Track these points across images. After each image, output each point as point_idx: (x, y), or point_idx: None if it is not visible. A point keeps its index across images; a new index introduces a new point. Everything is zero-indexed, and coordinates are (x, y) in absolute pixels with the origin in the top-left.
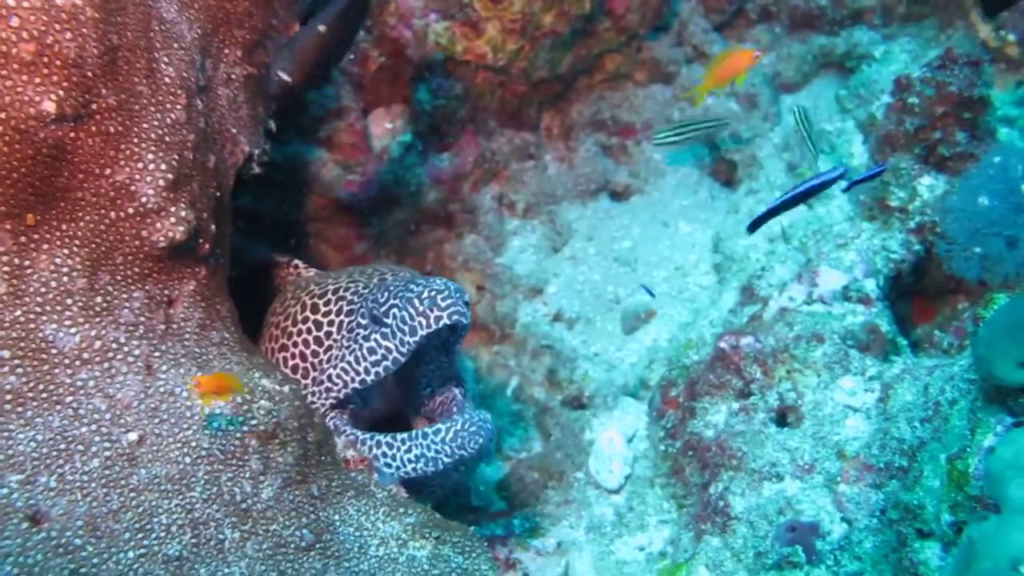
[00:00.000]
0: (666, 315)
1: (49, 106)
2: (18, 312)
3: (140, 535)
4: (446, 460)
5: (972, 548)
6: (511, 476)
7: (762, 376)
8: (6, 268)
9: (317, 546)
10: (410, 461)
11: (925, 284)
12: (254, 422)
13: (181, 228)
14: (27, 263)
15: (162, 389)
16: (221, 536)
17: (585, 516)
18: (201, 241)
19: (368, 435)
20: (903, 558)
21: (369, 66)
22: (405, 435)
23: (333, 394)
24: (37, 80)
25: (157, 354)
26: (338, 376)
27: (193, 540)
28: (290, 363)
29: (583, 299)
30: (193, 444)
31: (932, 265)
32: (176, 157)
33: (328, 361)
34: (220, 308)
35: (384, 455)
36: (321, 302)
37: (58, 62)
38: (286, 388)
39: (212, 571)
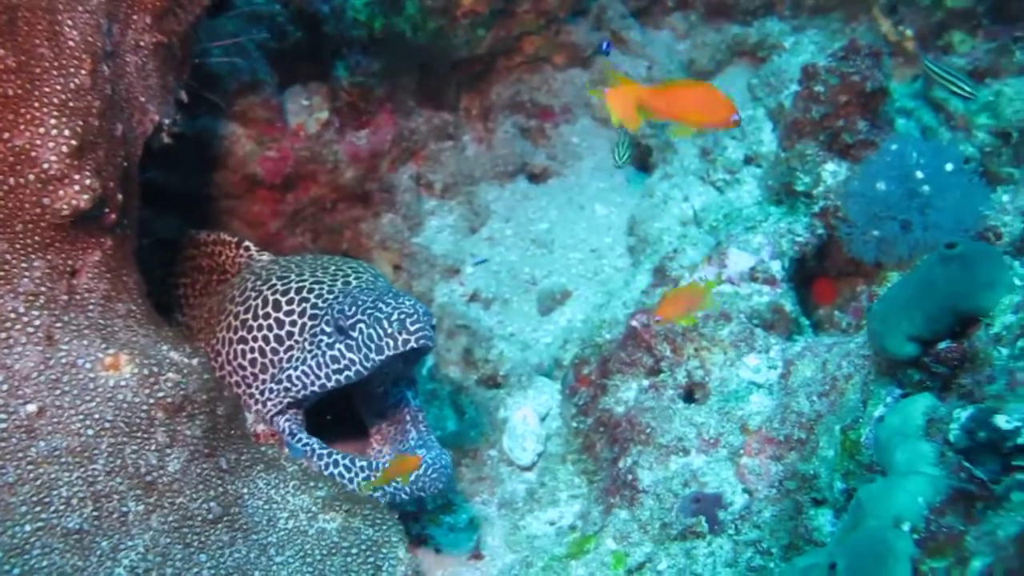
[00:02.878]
0: (581, 296)
1: None
2: None
3: (38, 508)
4: (404, 498)
5: (859, 508)
6: None
7: (671, 354)
8: None
9: (225, 519)
10: (368, 491)
11: (828, 266)
12: (161, 394)
13: (86, 196)
14: None
15: (64, 360)
16: (124, 509)
17: (498, 492)
18: (107, 211)
19: (326, 451)
20: (798, 525)
21: (286, 41)
22: (365, 463)
23: (292, 394)
24: None
25: (59, 325)
26: (298, 378)
27: (95, 513)
28: (248, 356)
29: (500, 280)
30: (96, 416)
31: (834, 248)
32: (80, 123)
33: (288, 361)
34: (127, 280)
35: (341, 476)
36: (284, 300)
37: None
38: (195, 361)
39: (114, 544)
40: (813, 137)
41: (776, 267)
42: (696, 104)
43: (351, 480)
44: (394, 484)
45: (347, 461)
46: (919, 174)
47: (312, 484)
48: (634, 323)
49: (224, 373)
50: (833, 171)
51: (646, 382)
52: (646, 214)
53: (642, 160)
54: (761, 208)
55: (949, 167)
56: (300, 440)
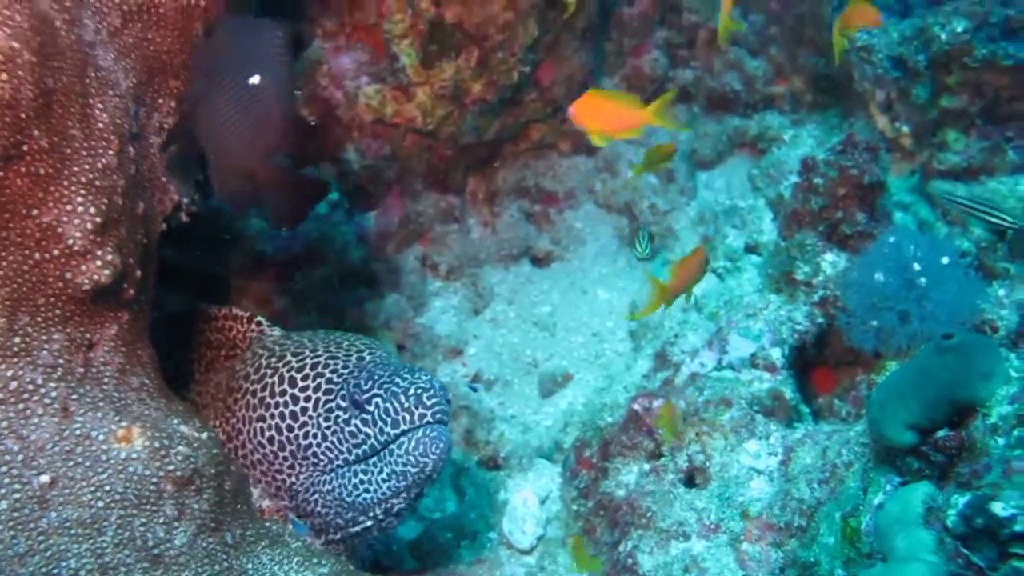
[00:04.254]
0: (582, 380)
1: None
2: None
3: None
4: (412, 470)
5: None
6: (424, 536)
7: (672, 438)
8: None
9: None
10: (384, 480)
11: (827, 355)
12: (171, 467)
13: (107, 272)
14: None
15: (78, 432)
16: None
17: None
18: (126, 286)
19: (347, 467)
20: None
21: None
22: (377, 458)
23: (320, 468)
24: None
25: (75, 397)
26: (323, 453)
27: None
28: (266, 434)
29: (502, 361)
30: (107, 488)
31: (834, 337)
32: (105, 201)
33: (306, 436)
34: (141, 353)
35: (363, 483)
36: (299, 376)
37: None
38: (204, 435)
39: None
40: (812, 228)
41: (776, 354)
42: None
43: (371, 481)
44: (397, 457)
45: (363, 467)
46: (916, 266)
47: (315, 561)
48: (635, 407)
49: (246, 451)
50: (832, 261)
51: (647, 466)
52: (647, 300)
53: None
54: (761, 296)
55: (945, 260)
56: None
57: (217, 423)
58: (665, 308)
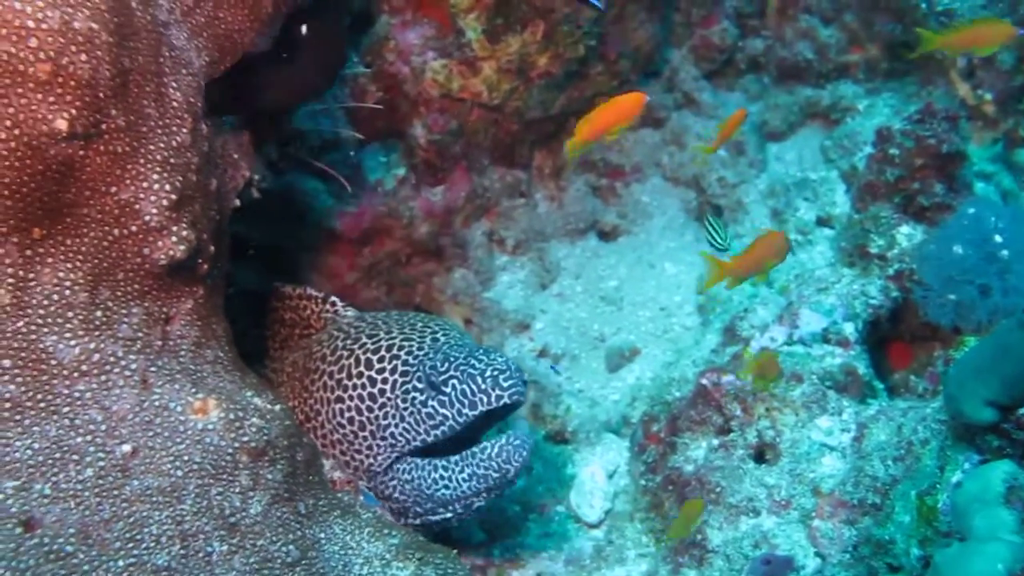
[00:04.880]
0: (650, 354)
1: (61, 124)
2: (20, 323)
3: (130, 544)
4: (494, 475)
5: (936, 573)
6: (492, 509)
7: (742, 413)
8: (11, 280)
9: (303, 562)
10: (465, 480)
11: (902, 330)
12: (245, 439)
13: (182, 247)
14: (31, 276)
15: (157, 403)
16: (209, 549)
17: (565, 549)
18: (200, 261)
19: (426, 460)
20: None
21: (367, 100)
22: (458, 457)
23: (398, 449)
24: (51, 99)
25: (153, 369)
26: (400, 434)
27: (182, 551)
28: (345, 415)
29: (569, 336)
30: (185, 458)
31: (909, 312)
32: (180, 178)
33: (384, 418)
34: (216, 327)
35: (443, 478)
36: (375, 358)
37: (72, 82)
38: (277, 407)
39: None
40: (887, 199)
41: (849, 329)
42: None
43: (451, 479)
44: (480, 460)
45: (444, 462)
46: (998, 238)
47: (386, 532)
48: (704, 381)
49: (325, 431)
50: (908, 234)
51: (716, 441)
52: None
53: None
54: (834, 270)
55: None
56: (406, 460)
57: (295, 403)
58: (728, 287)
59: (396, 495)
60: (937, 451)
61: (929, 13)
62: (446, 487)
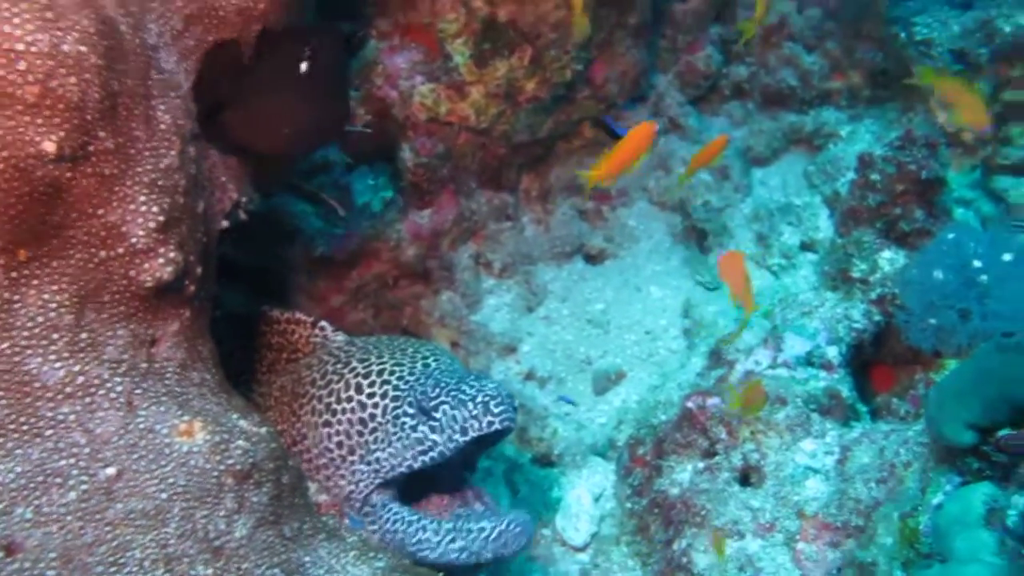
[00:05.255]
0: (636, 378)
1: (49, 146)
2: (5, 345)
3: (113, 569)
4: (487, 556)
5: None
6: None
7: (727, 436)
8: None
9: None
10: (453, 552)
11: (885, 353)
12: (231, 461)
13: (169, 269)
14: (16, 298)
15: (142, 426)
16: (194, 572)
17: (551, 573)
18: (187, 283)
19: (415, 516)
20: None
21: (355, 123)
22: (450, 525)
23: (382, 475)
24: (39, 121)
25: (139, 391)
26: (386, 460)
27: (166, 575)
28: (334, 439)
29: (555, 359)
30: (170, 480)
31: (892, 335)
32: (167, 200)
33: (374, 443)
34: (202, 349)
35: (428, 541)
36: (366, 383)
37: (60, 105)
38: (263, 430)
39: None
40: (870, 224)
41: (832, 352)
42: None
43: (438, 543)
44: (476, 539)
45: (435, 526)
46: (977, 263)
47: (371, 555)
48: (689, 404)
49: (311, 455)
50: (890, 258)
51: (701, 464)
52: (701, 297)
53: (698, 243)
54: (817, 294)
55: (1007, 257)
56: (391, 510)
57: (283, 427)
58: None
59: (376, 535)
60: (919, 473)
61: (908, 43)
62: (431, 550)
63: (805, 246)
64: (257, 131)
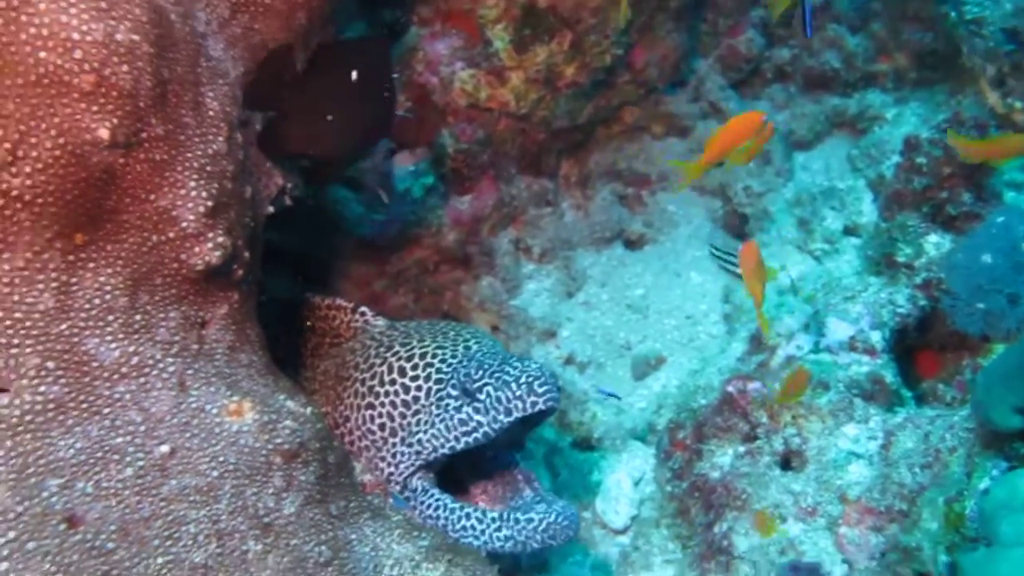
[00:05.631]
0: (676, 363)
1: (104, 133)
2: (63, 326)
3: (169, 542)
4: (535, 546)
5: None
6: None
7: (768, 421)
8: (55, 284)
9: (334, 562)
10: (499, 540)
11: (931, 339)
12: (279, 440)
13: (218, 253)
14: (74, 280)
15: (193, 405)
16: (245, 547)
17: (591, 554)
18: (235, 267)
19: (457, 504)
20: None
21: (396, 109)
22: (496, 514)
23: (423, 456)
24: (94, 109)
25: (190, 372)
26: (428, 441)
27: (218, 550)
28: (376, 421)
29: (595, 344)
30: (221, 459)
31: (938, 320)
32: (216, 186)
33: (417, 424)
34: (249, 332)
35: (473, 528)
36: (408, 366)
37: (114, 93)
38: (309, 411)
39: None
40: (915, 208)
41: (876, 337)
42: None
43: (483, 531)
44: (524, 528)
45: (479, 514)
46: None
47: (415, 534)
48: (730, 389)
49: (354, 438)
50: (936, 243)
51: (742, 448)
52: (742, 283)
53: (738, 228)
54: (861, 278)
55: None
56: (432, 496)
57: (327, 410)
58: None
59: (418, 518)
60: (965, 458)
61: (959, 22)
62: (475, 537)
63: (848, 231)
64: (312, 140)
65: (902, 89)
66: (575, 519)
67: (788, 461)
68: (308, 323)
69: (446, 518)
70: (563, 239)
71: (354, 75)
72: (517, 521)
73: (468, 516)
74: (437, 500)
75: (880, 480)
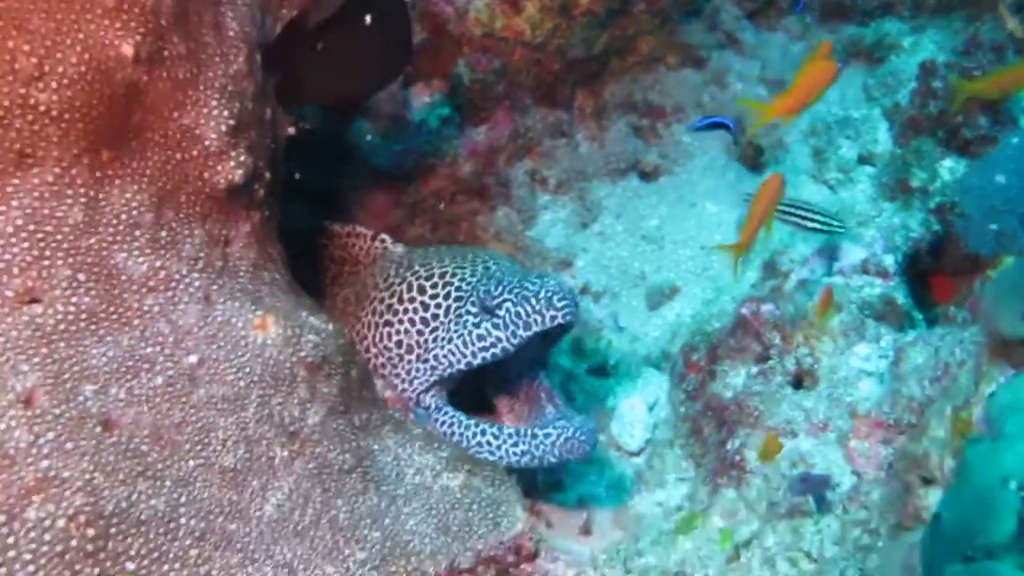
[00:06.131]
0: (690, 292)
1: (127, 49)
2: (92, 240)
3: (199, 447)
4: (552, 461)
5: (966, 468)
6: None
7: (781, 341)
8: (83, 199)
9: (358, 469)
10: (515, 455)
11: (944, 264)
12: (302, 353)
13: (240, 171)
14: (102, 195)
15: (219, 319)
16: (272, 453)
17: (606, 475)
18: (257, 187)
19: (472, 421)
20: (907, 504)
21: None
22: (512, 430)
23: (438, 372)
24: (118, 25)
25: (215, 287)
26: (445, 356)
27: (246, 455)
28: (394, 338)
29: (610, 274)
30: (247, 369)
31: (951, 245)
32: (237, 105)
33: (434, 341)
34: (271, 251)
35: (488, 444)
36: (428, 284)
37: (136, 9)
38: (331, 327)
39: (263, 483)
40: (930, 133)
41: (889, 260)
42: None
43: (499, 447)
44: (541, 443)
45: (495, 430)
46: None
47: (436, 445)
48: (743, 311)
49: (371, 355)
50: (951, 167)
51: (755, 368)
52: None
53: (753, 159)
54: (874, 204)
55: None
56: (447, 413)
57: (347, 331)
58: (741, 260)
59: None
60: (973, 370)
61: None
62: (491, 453)
63: (863, 159)
64: (330, 87)
65: (919, 17)
66: (593, 434)
67: (800, 380)
68: (328, 252)
69: (461, 434)
70: (578, 170)
71: (367, 19)
72: (535, 436)
73: (484, 432)
74: (451, 417)
75: (890, 395)
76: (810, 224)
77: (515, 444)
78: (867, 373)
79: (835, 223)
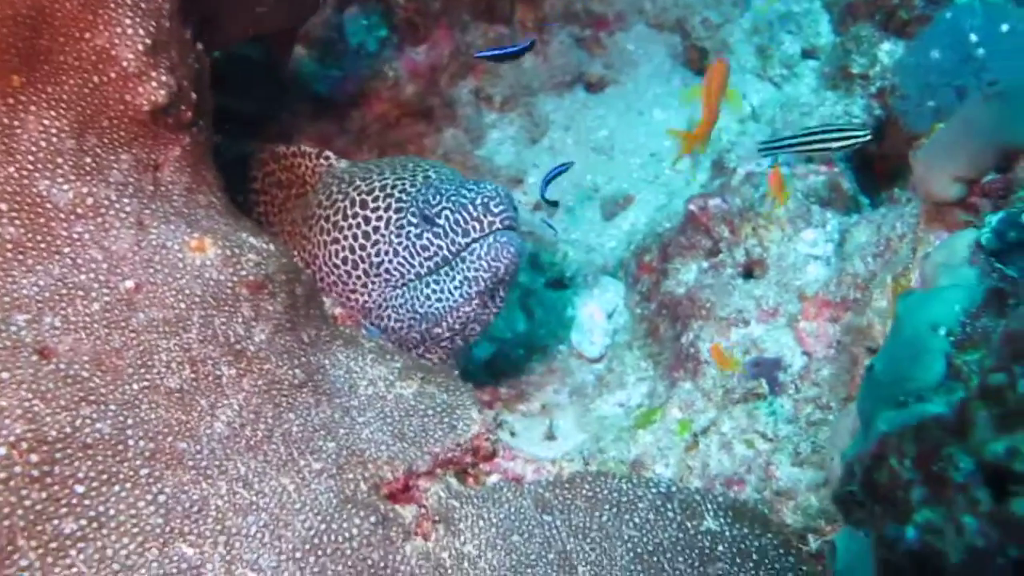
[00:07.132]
0: (643, 200)
1: None
2: (11, 169)
3: (143, 370)
4: (485, 275)
5: (898, 320)
6: (497, 355)
7: (729, 234)
8: None
9: (309, 384)
10: (456, 288)
11: (887, 148)
12: (243, 273)
13: (162, 92)
14: (16, 123)
15: (154, 242)
16: (218, 372)
17: (568, 382)
18: (183, 108)
19: (419, 280)
20: (855, 375)
21: None
22: (447, 267)
23: (392, 284)
24: None
25: (148, 211)
26: (396, 269)
27: (192, 375)
28: (340, 255)
29: (563, 188)
30: (187, 291)
31: (893, 128)
32: (153, 24)
33: (378, 255)
34: (206, 175)
35: (434, 292)
36: (370, 198)
37: None
38: (272, 246)
39: (212, 402)
40: (869, 18)
41: None
42: None
43: (443, 290)
44: (470, 263)
45: (434, 277)
46: (973, 37)
47: (388, 356)
48: (692, 207)
49: (323, 274)
50: (889, 50)
51: (706, 263)
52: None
53: (698, 63)
54: (817, 94)
55: (1004, 28)
56: (393, 299)
57: (295, 254)
58: (698, 152)
59: (392, 324)
60: (912, 241)
61: None
62: (439, 299)
63: (806, 53)
64: (254, 25)
65: None
66: (513, 239)
67: (750, 270)
68: (275, 176)
69: (413, 298)
70: (523, 86)
71: None
72: (463, 259)
73: (427, 284)
74: (401, 287)
75: (836, 274)
76: (836, 145)
77: (452, 278)
78: (814, 257)
79: (860, 133)
